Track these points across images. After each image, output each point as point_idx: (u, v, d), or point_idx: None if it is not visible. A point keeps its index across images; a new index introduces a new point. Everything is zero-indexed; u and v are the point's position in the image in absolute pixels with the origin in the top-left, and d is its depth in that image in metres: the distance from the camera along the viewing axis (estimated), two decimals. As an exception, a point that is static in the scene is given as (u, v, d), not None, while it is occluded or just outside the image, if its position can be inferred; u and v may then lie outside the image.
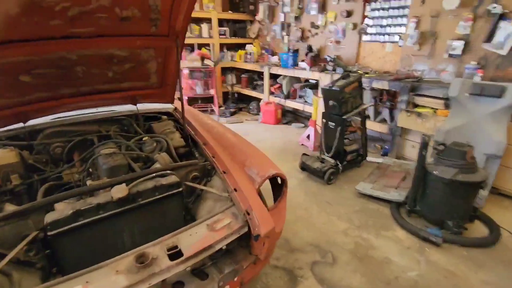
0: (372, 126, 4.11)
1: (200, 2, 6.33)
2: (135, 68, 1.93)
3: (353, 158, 3.63)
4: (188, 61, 5.53)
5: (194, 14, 6.13)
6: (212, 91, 5.85)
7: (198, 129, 2.12)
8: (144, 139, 1.93)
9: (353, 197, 3.09)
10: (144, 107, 2.36)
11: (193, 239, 1.30)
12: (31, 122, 1.95)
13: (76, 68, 1.71)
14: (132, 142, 1.91)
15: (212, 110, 6.19)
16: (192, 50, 6.04)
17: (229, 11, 6.65)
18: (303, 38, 5.65)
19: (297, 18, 5.65)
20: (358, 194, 3.10)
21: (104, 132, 2.09)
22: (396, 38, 4.19)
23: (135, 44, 1.61)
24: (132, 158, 1.82)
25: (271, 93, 5.90)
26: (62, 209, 1.26)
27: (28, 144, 1.87)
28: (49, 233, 1.21)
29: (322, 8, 5.12)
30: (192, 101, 6.23)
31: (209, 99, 6.26)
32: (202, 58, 5.60)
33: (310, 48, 5.32)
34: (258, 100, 6.26)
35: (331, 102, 3.32)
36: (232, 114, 6.38)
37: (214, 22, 6.37)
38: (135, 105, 2.26)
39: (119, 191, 1.34)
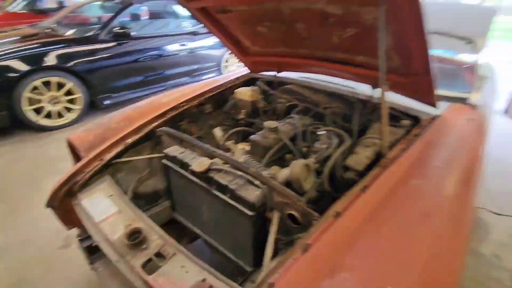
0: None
1: None
2: (361, 37, 1.34)
3: None
4: None
5: None
6: None
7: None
8: (319, 132, 1.43)
9: None
10: (397, 98, 1.63)
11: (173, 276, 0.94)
12: (284, 74, 2.09)
13: (297, 25, 1.49)
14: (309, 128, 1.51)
15: None
16: None
17: None
18: None
19: None
20: None
21: (321, 108, 1.79)
22: None
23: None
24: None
25: None
26: (178, 150, 1.37)
27: (267, 92, 2.06)
28: (163, 160, 1.41)
29: None
30: None
31: None
32: None
33: None
34: None
35: None
36: None
37: None
38: (373, 89, 1.64)
39: (199, 164, 1.20)
